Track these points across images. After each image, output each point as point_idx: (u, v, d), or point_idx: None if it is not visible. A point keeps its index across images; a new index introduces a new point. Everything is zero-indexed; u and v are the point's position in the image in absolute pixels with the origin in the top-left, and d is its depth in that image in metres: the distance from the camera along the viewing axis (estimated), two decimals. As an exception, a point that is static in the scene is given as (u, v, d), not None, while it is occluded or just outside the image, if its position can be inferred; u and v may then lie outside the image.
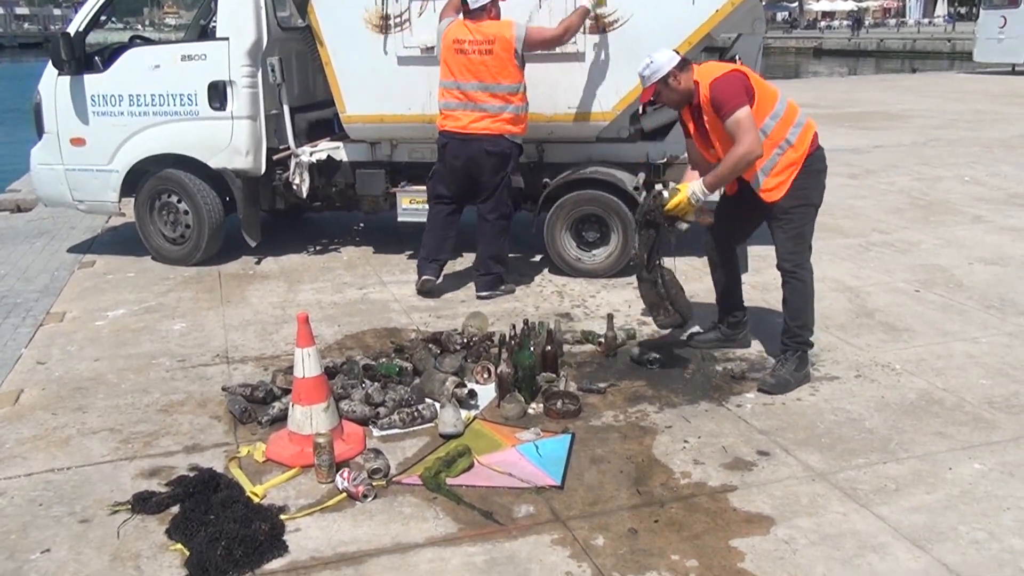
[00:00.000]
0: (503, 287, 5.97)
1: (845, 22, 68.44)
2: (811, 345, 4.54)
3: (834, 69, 39.42)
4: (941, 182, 9.40)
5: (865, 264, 6.48)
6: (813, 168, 4.39)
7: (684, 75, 4.32)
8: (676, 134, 6.33)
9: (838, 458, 3.69)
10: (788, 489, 3.45)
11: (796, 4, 78.03)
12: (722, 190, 4.58)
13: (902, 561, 2.99)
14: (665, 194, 4.37)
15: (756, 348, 4.92)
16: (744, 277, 6.04)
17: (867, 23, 66.62)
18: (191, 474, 3.60)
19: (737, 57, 6.01)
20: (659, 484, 3.51)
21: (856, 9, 70.45)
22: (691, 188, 4.33)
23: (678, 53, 4.44)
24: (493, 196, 5.82)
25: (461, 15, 5.60)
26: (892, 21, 72.59)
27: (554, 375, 4.43)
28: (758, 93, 4.23)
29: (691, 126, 4.51)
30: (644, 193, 4.43)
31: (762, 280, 5.96)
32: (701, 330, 5.06)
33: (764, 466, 3.64)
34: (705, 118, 4.34)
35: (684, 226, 4.45)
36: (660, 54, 4.35)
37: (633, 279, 6.04)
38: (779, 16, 77.55)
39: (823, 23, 74.37)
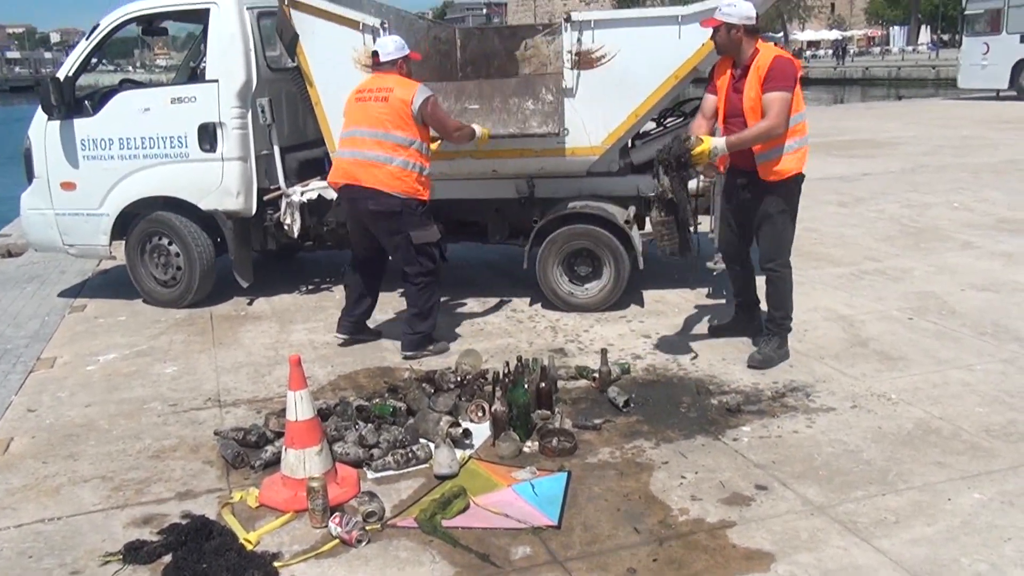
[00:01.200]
0: (431, 347, 5.53)
1: (830, 51, 69.22)
2: (790, 329, 5.22)
3: (820, 97, 39.76)
4: (931, 209, 9.44)
5: (858, 292, 6.49)
6: (799, 182, 5.00)
7: (747, 38, 4.80)
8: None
9: (837, 491, 3.66)
10: (787, 524, 3.42)
11: (781, 35, 78.98)
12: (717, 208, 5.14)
13: (905, 596, 2.95)
14: (693, 139, 4.66)
15: (750, 380, 4.90)
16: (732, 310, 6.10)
17: (852, 51, 67.39)
18: (183, 522, 3.55)
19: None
20: (657, 522, 3.48)
21: (840, 38, 71.28)
22: (714, 142, 4.69)
23: (754, 21, 4.82)
24: (400, 255, 5.46)
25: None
26: (876, 49, 73.45)
27: (549, 412, 4.40)
28: (797, 93, 4.76)
29: (726, 82, 4.94)
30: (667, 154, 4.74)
31: (755, 311, 5.93)
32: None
33: (762, 501, 3.61)
34: (747, 81, 4.79)
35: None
36: (744, 5, 4.79)
37: (627, 312, 6.07)
38: (765, 46, 78.40)
39: (808, 52, 75.18)
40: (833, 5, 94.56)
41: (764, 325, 5.28)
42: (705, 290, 6.62)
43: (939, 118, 19.64)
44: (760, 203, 5.00)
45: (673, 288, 6.57)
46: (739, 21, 4.76)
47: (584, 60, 5.84)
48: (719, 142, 4.70)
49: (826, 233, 8.50)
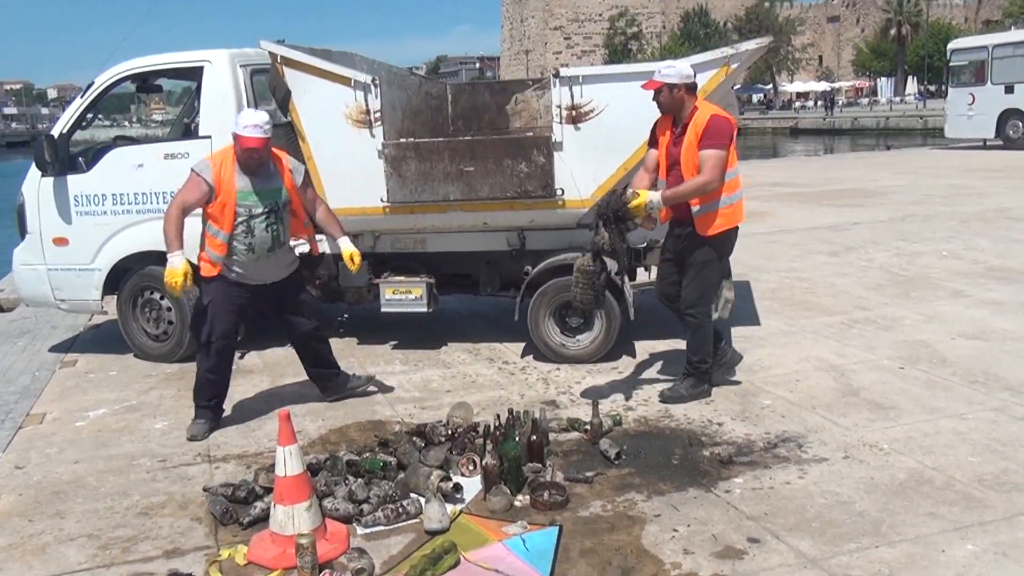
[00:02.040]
0: (353, 384, 5.77)
1: (819, 102, 70.24)
2: (709, 373, 5.44)
3: (810, 147, 40.23)
4: (920, 257, 9.51)
5: (848, 342, 6.50)
6: (733, 235, 5.25)
7: (688, 96, 5.05)
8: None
9: (829, 543, 3.63)
10: (780, 577, 3.39)
11: (771, 86, 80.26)
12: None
13: (899, 651, 2.92)
14: (630, 192, 4.94)
15: (743, 431, 4.89)
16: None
17: (840, 102, 68.39)
18: (170, 580, 3.51)
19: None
20: (649, 576, 3.45)
21: (829, 89, 72.39)
22: (651, 196, 4.95)
23: (693, 80, 5.09)
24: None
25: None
26: (865, 100, 74.54)
27: (540, 465, 4.38)
28: (732, 151, 5.02)
29: (667, 139, 5.17)
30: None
31: (747, 361, 5.95)
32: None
33: (755, 554, 3.58)
34: (686, 138, 5.01)
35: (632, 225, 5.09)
36: (684, 66, 5.12)
37: (619, 364, 6.07)
38: (755, 98, 79.67)
39: (798, 103, 76.30)
40: (821, 57, 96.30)
41: (684, 367, 5.50)
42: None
43: (928, 167, 19.88)
44: (692, 252, 5.23)
45: (665, 339, 6.57)
46: (679, 81, 5.01)
47: (573, 115, 5.92)
48: (655, 196, 4.94)
49: (816, 282, 8.54)
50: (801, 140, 48.62)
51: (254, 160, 5.00)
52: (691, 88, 5.07)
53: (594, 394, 5.47)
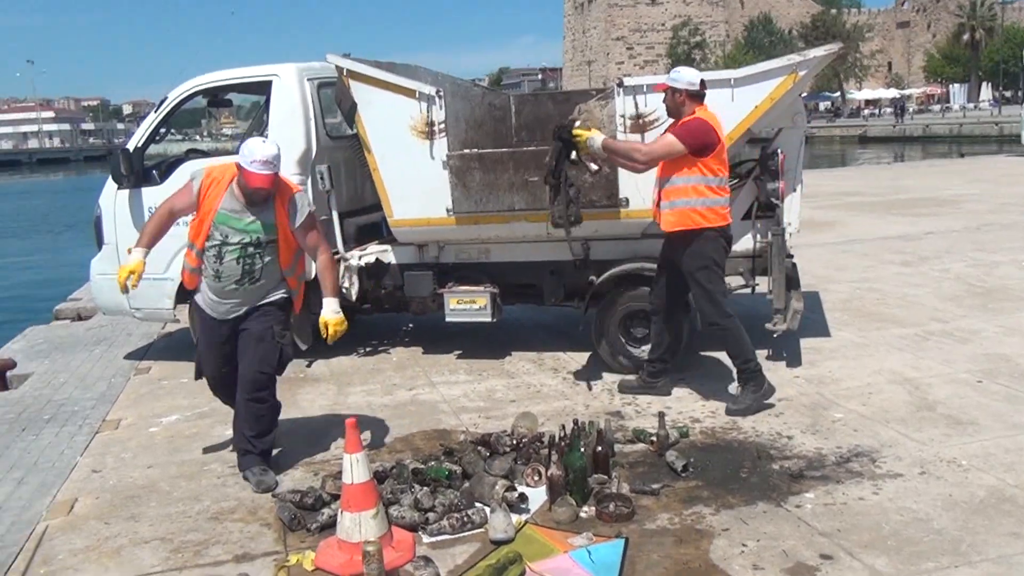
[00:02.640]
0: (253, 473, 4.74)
1: (888, 110, 68.76)
2: (760, 369, 5.39)
3: (880, 156, 39.38)
4: (998, 268, 9.22)
5: (924, 355, 6.32)
6: (714, 239, 5.27)
7: (690, 102, 5.21)
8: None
9: (906, 562, 3.52)
10: (855, 595, 3.30)
11: (838, 94, 78.81)
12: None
13: (982, 674, 2.81)
14: (578, 122, 5.40)
15: (813, 445, 4.78)
16: (798, 370, 5.99)
17: (911, 110, 66.86)
18: (240, 585, 3.56)
19: (779, 150, 6.03)
20: (718, 591, 3.38)
21: (899, 96, 70.83)
22: (594, 136, 5.31)
23: (700, 89, 5.24)
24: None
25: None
26: (936, 107, 72.76)
27: (606, 476, 4.34)
28: (711, 159, 5.14)
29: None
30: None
31: (817, 373, 5.83)
32: (630, 377, 5.91)
33: (828, 571, 3.49)
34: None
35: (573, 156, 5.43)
36: (690, 72, 5.31)
37: (685, 375, 5.99)
38: (822, 106, 78.31)
39: (866, 111, 74.78)
40: (890, 64, 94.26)
41: (737, 377, 5.50)
42: (764, 352, 6.50)
43: (1004, 175, 19.29)
44: (680, 263, 5.35)
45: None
46: (682, 87, 5.21)
47: (637, 124, 5.89)
48: (598, 138, 5.32)
49: (889, 293, 8.33)
50: (870, 148, 47.62)
51: (259, 196, 4.55)
52: (693, 95, 5.22)
53: (660, 405, 5.41)
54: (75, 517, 4.39)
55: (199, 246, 4.68)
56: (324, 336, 4.83)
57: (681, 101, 5.23)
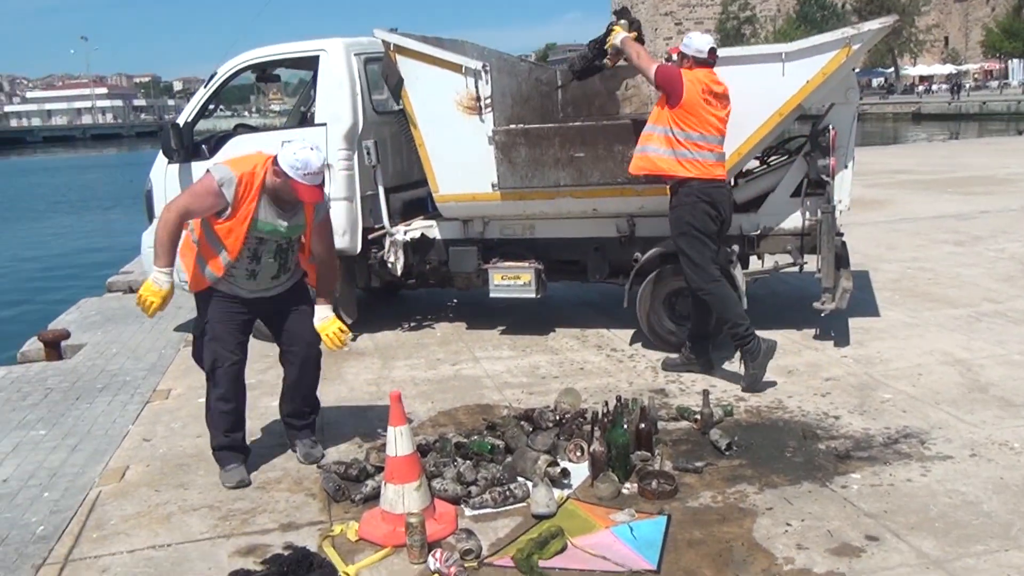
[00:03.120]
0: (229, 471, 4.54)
1: (943, 86, 67.09)
2: (750, 332, 5.29)
3: (934, 134, 38.49)
4: (1055, 248, 8.98)
5: (976, 336, 6.19)
6: (691, 196, 5.34)
7: (696, 67, 5.36)
8: (769, 205, 6.26)
9: (954, 544, 3.47)
10: (901, 577, 3.26)
11: (892, 70, 77.06)
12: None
13: (1031, 660, 2.76)
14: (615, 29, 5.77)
15: (861, 426, 4.71)
16: (847, 350, 5.92)
17: (967, 86, 65.16)
18: (286, 553, 3.62)
19: (831, 126, 5.91)
20: (761, 570, 3.36)
21: (955, 72, 69.03)
22: (623, 33, 5.72)
23: (708, 57, 5.40)
24: None
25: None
26: (994, 83, 70.82)
27: (649, 454, 4.34)
28: (687, 112, 5.26)
29: None
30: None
31: (865, 353, 5.75)
32: (674, 356, 5.86)
33: (874, 552, 3.45)
34: None
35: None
36: (699, 40, 5.44)
37: (730, 353, 5.94)
38: (875, 82, 76.64)
39: (921, 87, 73.03)
40: (947, 39, 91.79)
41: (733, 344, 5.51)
42: (812, 331, 6.43)
43: (1064, 153, 18.74)
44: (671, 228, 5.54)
45: (778, 329, 6.39)
46: (690, 53, 5.39)
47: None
48: (624, 35, 5.72)
49: (941, 273, 8.17)
50: (924, 126, 46.55)
51: (299, 204, 4.38)
52: (700, 61, 5.37)
53: (705, 383, 5.37)
54: (126, 484, 4.50)
55: (232, 256, 4.36)
56: (330, 347, 4.64)
57: (688, 67, 5.35)
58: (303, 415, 4.84)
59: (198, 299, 4.61)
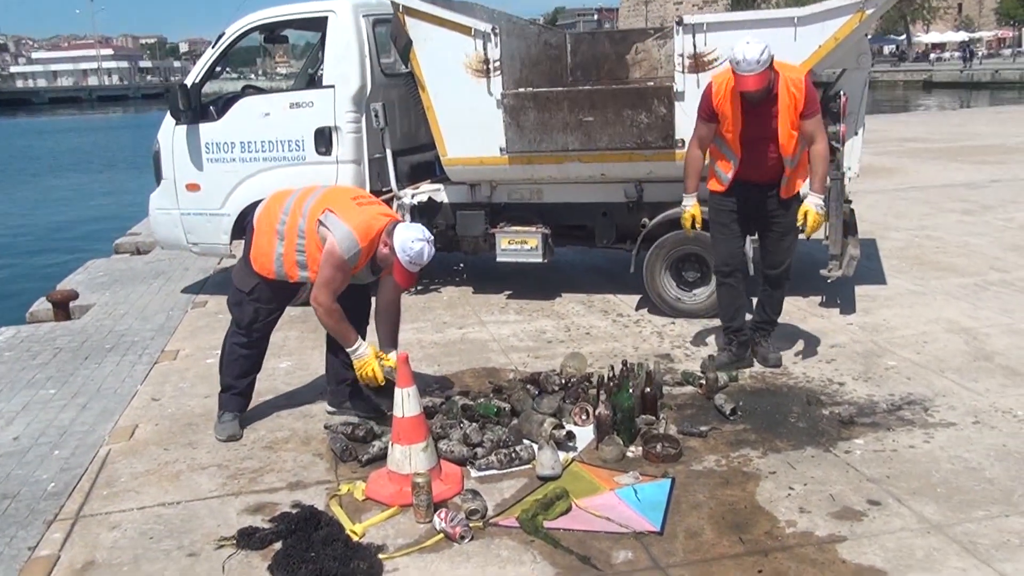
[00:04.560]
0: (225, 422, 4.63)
1: (956, 53, 66.34)
2: (730, 340, 5.20)
3: (945, 101, 38.13)
4: (1065, 218, 8.93)
5: (982, 304, 6.19)
6: (723, 199, 5.03)
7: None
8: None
9: (955, 509, 3.50)
10: (901, 541, 3.29)
11: (904, 37, 76.18)
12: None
13: (1028, 622, 2.80)
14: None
15: (865, 392, 4.73)
16: (852, 318, 5.92)
17: (980, 54, 64.43)
18: (293, 511, 3.66)
19: (842, 92, 5.87)
20: (763, 532, 3.40)
21: (968, 40, 68.21)
22: (812, 203, 4.74)
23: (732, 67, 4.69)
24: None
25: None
26: (1008, 51, 69.99)
27: (654, 417, 4.36)
28: (721, 126, 4.84)
29: (739, 112, 4.74)
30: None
31: (871, 321, 5.76)
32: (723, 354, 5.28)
33: (875, 516, 3.48)
34: (779, 106, 4.69)
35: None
36: (762, 41, 4.56)
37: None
38: (886, 49, 75.78)
39: (933, 55, 72.19)
40: (960, 5, 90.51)
41: (759, 326, 5.30)
42: (818, 298, 6.43)
43: (1076, 123, 18.58)
44: None
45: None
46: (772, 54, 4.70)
47: (696, 63, 5.77)
48: (814, 200, 4.80)
49: (949, 242, 8.15)
50: (935, 94, 46.11)
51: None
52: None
53: (711, 349, 5.39)
54: (136, 442, 4.54)
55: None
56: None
57: (773, 70, 4.77)
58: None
59: (259, 276, 4.51)
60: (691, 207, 5.09)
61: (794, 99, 4.67)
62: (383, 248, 4.27)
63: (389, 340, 4.61)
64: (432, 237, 4.33)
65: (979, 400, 4.55)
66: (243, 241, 6.59)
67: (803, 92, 4.67)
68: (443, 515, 3.48)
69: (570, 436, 4.19)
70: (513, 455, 4.03)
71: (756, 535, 3.38)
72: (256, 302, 4.53)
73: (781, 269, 5.08)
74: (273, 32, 7.45)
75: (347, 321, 4.36)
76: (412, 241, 4.18)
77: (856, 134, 6.08)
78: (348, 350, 4.39)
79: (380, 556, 3.31)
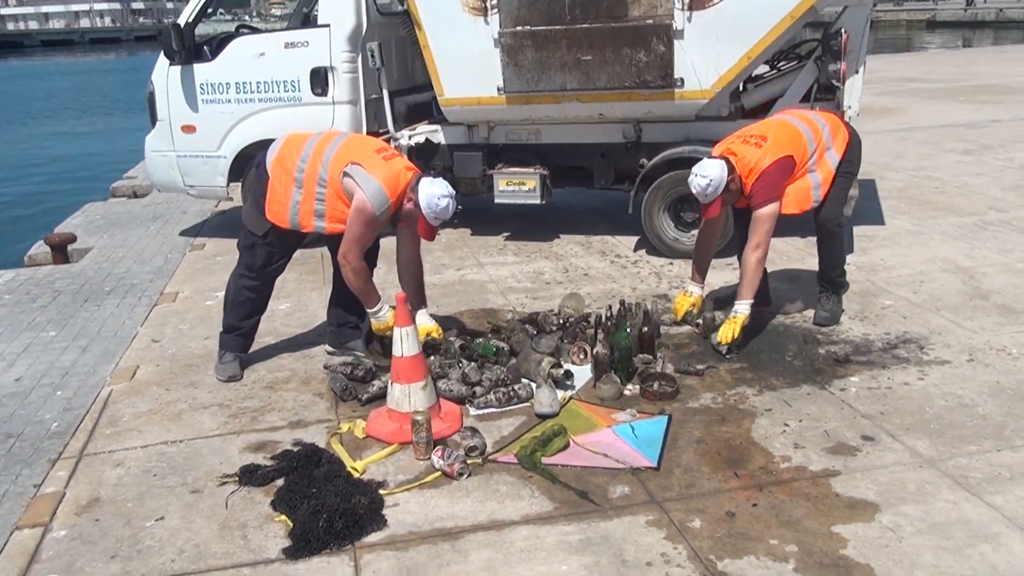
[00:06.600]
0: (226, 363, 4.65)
1: (961, -8, 65.23)
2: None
3: (947, 41, 37.63)
4: (1065, 158, 8.90)
5: (980, 244, 6.19)
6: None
7: (735, 173, 4.52)
8: (778, 111, 6.17)
9: (948, 444, 3.55)
10: (894, 475, 3.34)
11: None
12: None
13: (1016, 552, 2.86)
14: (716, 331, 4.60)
15: (861, 331, 4.76)
16: (850, 257, 5.92)
17: (985, -8, 63.33)
18: (295, 449, 3.72)
19: (843, 30, 5.80)
20: (758, 467, 3.45)
21: (973, -22, 67.02)
22: (738, 311, 4.53)
23: (720, 157, 4.58)
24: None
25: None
26: (1013, -11, 68.78)
27: (651, 356, 4.40)
28: (799, 153, 4.62)
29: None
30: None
31: (868, 260, 5.77)
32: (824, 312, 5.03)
33: (868, 451, 3.53)
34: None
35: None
36: (711, 167, 4.46)
37: (733, 260, 5.95)
38: (889, -12, 74.41)
39: (938, -7, 70.90)
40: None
41: (820, 283, 5.07)
42: (815, 238, 6.41)
43: (1080, 62, 18.37)
44: None
45: (782, 236, 6.38)
46: (725, 177, 4.51)
47: (695, 1, 5.69)
48: (742, 308, 4.60)
49: (948, 182, 8.12)
50: (938, 33, 45.47)
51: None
52: (729, 167, 4.55)
53: (707, 288, 5.39)
54: (137, 383, 4.58)
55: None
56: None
57: (735, 183, 4.59)
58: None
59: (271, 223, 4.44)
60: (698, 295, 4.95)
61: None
62: (407, 204, 4.27)
63: (418, 297, 4.64)
64: (455, 192, 4.34)
65: (974, 338, 4.58)
66: (241, 183, 6.59)
67: (751, 184, 4.54)
68: (440, 453, 3.52)
69: (568, 375, 4.22)
70: (511, 394, 4.07)
71: (751, 470, 3.43)
72: (269, 246, 4.51)
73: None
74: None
75: (372, 283, 4.43)
76: (438, 198, 4.19)
77: (857, 72, 6.01)
78: (369, 311, 4.44)
79: (381, 492, 3.37)
